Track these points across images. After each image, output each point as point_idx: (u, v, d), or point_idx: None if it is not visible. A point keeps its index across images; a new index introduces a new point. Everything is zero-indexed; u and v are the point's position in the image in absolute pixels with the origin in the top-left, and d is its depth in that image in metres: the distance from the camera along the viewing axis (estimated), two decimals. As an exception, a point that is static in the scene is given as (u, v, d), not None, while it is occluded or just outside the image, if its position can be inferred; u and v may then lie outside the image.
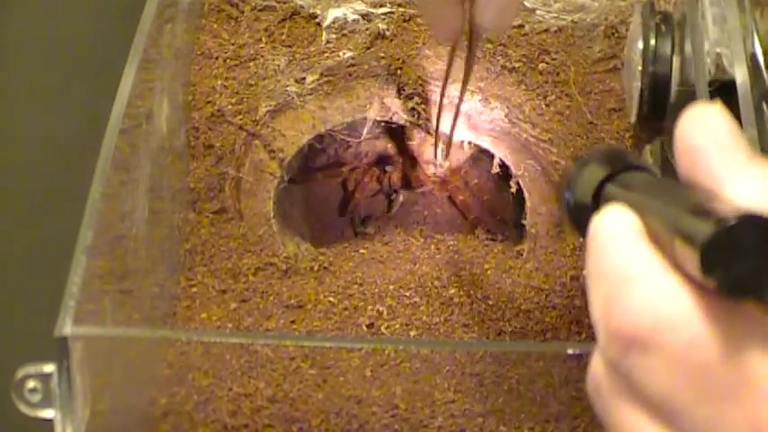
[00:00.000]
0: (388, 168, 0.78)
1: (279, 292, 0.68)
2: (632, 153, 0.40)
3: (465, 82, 0.64)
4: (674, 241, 0.31)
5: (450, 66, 0.63)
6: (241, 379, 0.60)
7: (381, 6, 0.76)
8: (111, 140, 0.60)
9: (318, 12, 0.77)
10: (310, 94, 0.74)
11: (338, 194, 0.78)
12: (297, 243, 0.72)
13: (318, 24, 0.77)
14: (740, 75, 0.62)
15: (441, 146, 0.73)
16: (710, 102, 0.58)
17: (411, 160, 0.77)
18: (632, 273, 0.33)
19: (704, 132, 0.34)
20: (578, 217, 0.40)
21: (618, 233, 0.34)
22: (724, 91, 0.65)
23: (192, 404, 0.60)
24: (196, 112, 0.74)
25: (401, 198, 0.77)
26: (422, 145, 0.77)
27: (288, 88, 0.74)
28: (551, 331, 0.66)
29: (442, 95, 0.67)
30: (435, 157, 0.74)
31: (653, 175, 0.37)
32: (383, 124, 0.75)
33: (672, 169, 0.62)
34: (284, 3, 0.78)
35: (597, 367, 0.34)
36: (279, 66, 0.75)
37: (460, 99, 0.67)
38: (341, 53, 0.75)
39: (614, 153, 0.40)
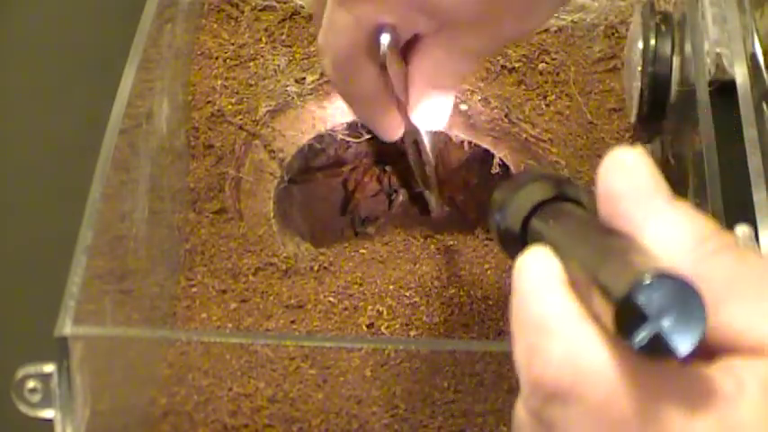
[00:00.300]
0: (388, 168, 0.78)
1: (279, 292, 0.68)
2: (567, 180, 0.40)
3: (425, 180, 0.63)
4: (591, 291, 0.32)
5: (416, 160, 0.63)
6: (241, 379, 0.60)
7: (381, 6, 0.76)
8: (111, 140, 0.60)
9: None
10: (310, 94, 0.74)
11: (338, 194, 0.78)
12: (297, 243, 0.72)
13: (318, 24, 0.77)
14: (740, 75, 0.63)
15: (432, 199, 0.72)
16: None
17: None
18: (552, 324, 0.33)
19: (623, 178, 0.34)
20: (506, 242, 0.40)
21: (539, 281, 0.34)
22: (724, 91, 0.65)
23: (192, 404, 0.60)
24: (196, 112, 0.74)
25: (401, 198, 0.77)
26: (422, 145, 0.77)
27: (288, 88, 0.74)
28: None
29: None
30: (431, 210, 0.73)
31: (583, 208, 0.37)
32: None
33: (672, 169, 0.62)
34: (284, 3, 0.78)
35: (521, 413, 0.34)
36: (279, 66, 0.75)
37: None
38: (341, 53, 0.75)
39: (548, 180, 0.40)
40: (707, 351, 0.31)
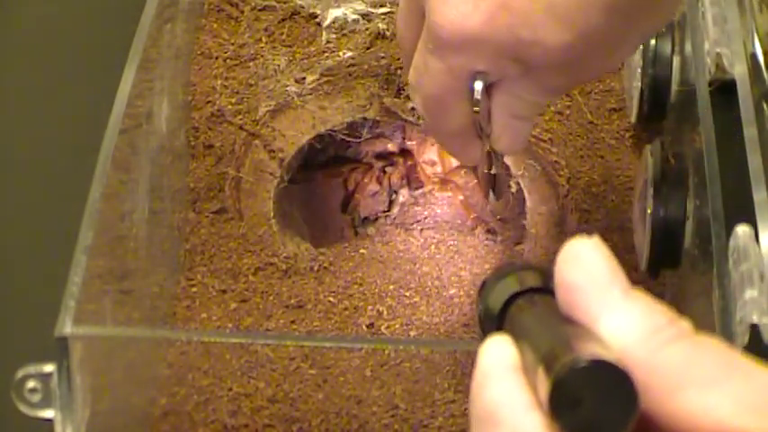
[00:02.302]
0: (389, 169, 0.78)
1: (279, 292, 0.68)
2: (545, 272, 0.41)
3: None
4: (537, 376, 0.32)
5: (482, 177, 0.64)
6: (241, 379, 0.60)
7: (381, 6, 0.76)
8: (111, 140, 0.60)
9: (318, 12, 0.77)
10: (310, 94, 0.74)
11: (338, 194, 0.78)
12: (297, 243, 0.72)
13: (318, 24, 0.77)
14: (740, 75, 0.63)
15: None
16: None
17: (411, 161, 0.77)
18: (500, 413, 0.33)
19: (579, 269, 0.34)
20: (486, 330, 0.41)
21: (491, 369, 0.35)
22: (724, 91, 0.65)
23: (192, 404, 0.60)
24: (196, 112, 0.74)
25: (401, 198, 0.77)
26: (422, 145, 0.77)
27: (288, 88, 0.74)
28: (551, 331, 0.66)
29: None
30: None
31: (554, 300, 0.38)
32: (383, 124, 0.75)
33: (672, 169, 0.62)
34: (284, 3, 0.78)
35: None
36: (279, 65, 0.75)
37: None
38: (341, 53, 0.75)
39: (528, 271, 0.41)
40: None
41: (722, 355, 0.32)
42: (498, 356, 0.35)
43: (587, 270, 0.34)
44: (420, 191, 0.77)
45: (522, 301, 0.40)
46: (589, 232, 0.69)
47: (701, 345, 0.33)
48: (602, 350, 0.31)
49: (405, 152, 0.78)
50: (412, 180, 0.77)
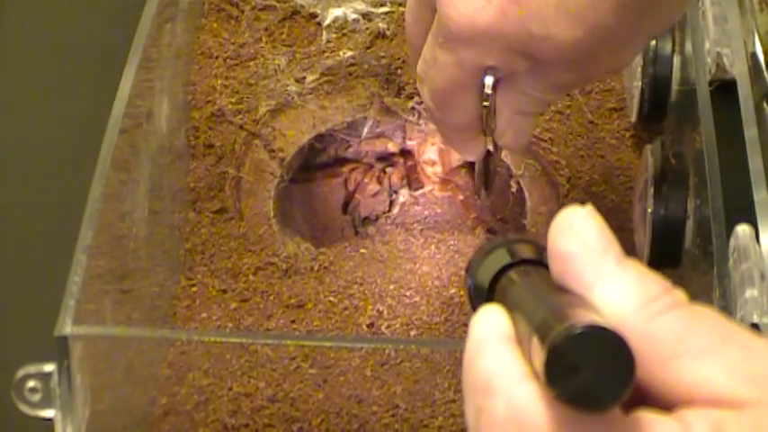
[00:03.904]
0: (389, 170, 0.78)
1: (279, 292, 0.68)
2: (535, 243, 0.41)
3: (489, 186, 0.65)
4: (531, 346, 0.32)
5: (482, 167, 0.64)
6: (241, 379, 0.60)
7: (381, 6, 0.76)
8: (111, 140, 0.60)
9: (318, 11, 0.77)
10: (310, 94, 0.74)
11: (338, 195, 0.78)
12: (297, 243, 0.72)
13: (318, 24, 0.77)
14: (740, 74, 0.63)
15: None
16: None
17: (412, 161, 0.77)
18: (495, 383, 0.33)
19: (572, 238, 0.34)
20: (475, 304, 0.41)
21: (485, 340, 0.35)
22: (724, 91, 0.65)
23: (192, 404, 0.60)
24: (196, 112, 0.73)
25: (402, 198, 0.77)
26: (422, 145, 0.77)
27: (288, 88, 0.74)
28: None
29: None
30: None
31: (546, 272, 0.37)
32: (383, 124, 0.75)
33: (672, 169, 0.62)
34: (284, 2, 0.78)
35: None
36: (279, 65, 0.75)
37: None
38: (341, 53, 0.75)
39: (518, 244, 0.41)
40: (664, 407, 0.32)
41: (718, 325, 0.32)
42: (491, 326, 0.35)
43: (581, 239, 0.34)
44: (420, 191, 0.77)
45: (513, 273, 0.40)
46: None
47: (696, 314, 0.33)
48: (596, 317, 0.31)
49: (405, 152, 0.78)
50: (412, 180, 0.77)
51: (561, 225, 0.35)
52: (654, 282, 0.33)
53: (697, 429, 0.31)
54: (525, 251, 0.40)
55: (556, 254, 0.35)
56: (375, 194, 0.78)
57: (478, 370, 0.34)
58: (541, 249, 0.40)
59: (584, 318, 0.31)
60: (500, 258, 0.40)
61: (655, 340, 0.32)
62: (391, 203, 0.78)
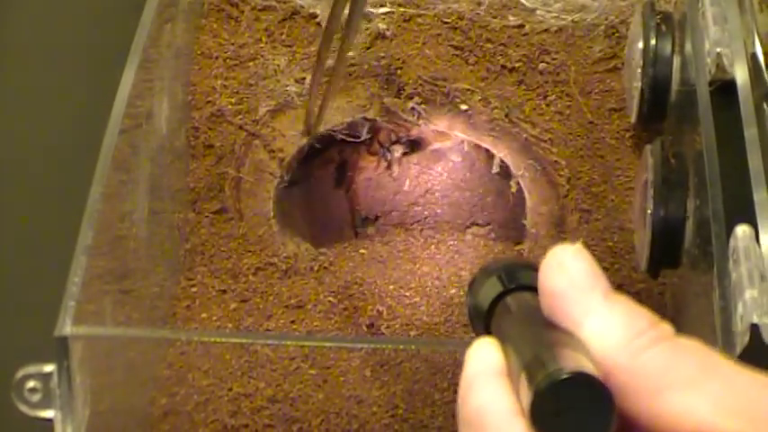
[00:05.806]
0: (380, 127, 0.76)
1: (279, 292, 0.68)
2: (535, 268, 0.41)
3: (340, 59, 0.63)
4: (520, 382, 0.33)
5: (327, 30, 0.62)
6: (241, 379, 0.60)
7: (381, 6, 0.76)
8: (111, 140, 0.60)
9: (318, 12, 0.77)
10: (310, 94, 0.74)
11: (339, 195, 0.78)
12: (297, 243, 0.72)
13: (318, 24, 0.77)
14: (740, 75, 0.62)
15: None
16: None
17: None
18: (485, 419, 0.34)
19: (561, 276, 0.35)
20: (475, 325, 0.42)
21: (477, 375, 0.36)
22: (724, 91, 0.65)
23: (192, 404, 0.60)
24: (196, 112, 0.74)
25: (397, 154, 0.77)
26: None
27: (288, 88, 0.74)
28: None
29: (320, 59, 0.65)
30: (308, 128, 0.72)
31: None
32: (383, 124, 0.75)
33: (672, 169, 0.62)
34: (284, 3, 0.78)
35: None
36: (279, 65, 0.75)
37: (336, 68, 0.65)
38: (341, 53, 0.75)
39: (519, 269, 0.42)
40: None
41: (702, 357, 0.33)
42: (484, 361, 0.36)
43: (569, 276, 0.35)
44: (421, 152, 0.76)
45: (510, 299, 0.40)
46: (589, 232, 0.69)
47: (681, 347, 0.33)
48: (581, 360, 0.32)
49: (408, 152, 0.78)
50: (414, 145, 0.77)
51: (551, 263, 0.36)
52: (640, 316, 0.34)
53: None
54: (525, 277, 0.41)
55: (546, 291, 0.36)
56: (370, 167, 0.78)
57: (471, 405, 0.35)
58: (530, 275, 0.41)
59: (570, 361, 0.32)
60: (498, 283, 0.41)
61: (641, 373, 0.33)
62: (389, 164, 0.78)
